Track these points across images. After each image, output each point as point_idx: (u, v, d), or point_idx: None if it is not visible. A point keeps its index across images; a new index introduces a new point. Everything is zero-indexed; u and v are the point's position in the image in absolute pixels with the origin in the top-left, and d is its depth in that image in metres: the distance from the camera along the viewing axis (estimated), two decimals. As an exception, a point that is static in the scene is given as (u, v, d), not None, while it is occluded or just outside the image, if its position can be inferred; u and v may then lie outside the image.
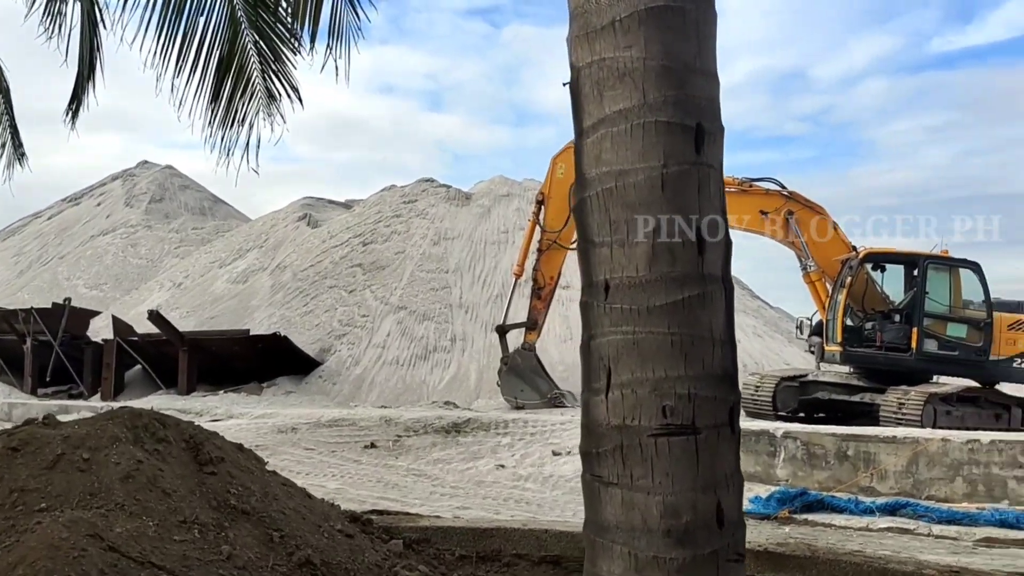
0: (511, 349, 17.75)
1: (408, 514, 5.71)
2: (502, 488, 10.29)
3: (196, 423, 4.54)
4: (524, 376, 17.62)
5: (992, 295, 15.25)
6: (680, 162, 2.74)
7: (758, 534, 7.13)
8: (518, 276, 17.93)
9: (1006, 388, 15.57)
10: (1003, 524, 8.29)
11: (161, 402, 18.31)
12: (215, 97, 6.19)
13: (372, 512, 5.41)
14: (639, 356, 2.71)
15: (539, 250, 17.32)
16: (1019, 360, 15.00)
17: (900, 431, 10.82)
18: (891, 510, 8.92)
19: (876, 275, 15.85)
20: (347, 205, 34.79)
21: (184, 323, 24.34)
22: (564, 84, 2.98)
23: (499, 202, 28.53)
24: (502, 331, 17.81)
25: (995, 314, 14.93)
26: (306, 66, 6.20)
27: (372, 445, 12.72)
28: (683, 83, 2.77)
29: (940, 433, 10.45)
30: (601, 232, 2.81)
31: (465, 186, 31.31)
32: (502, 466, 11.46)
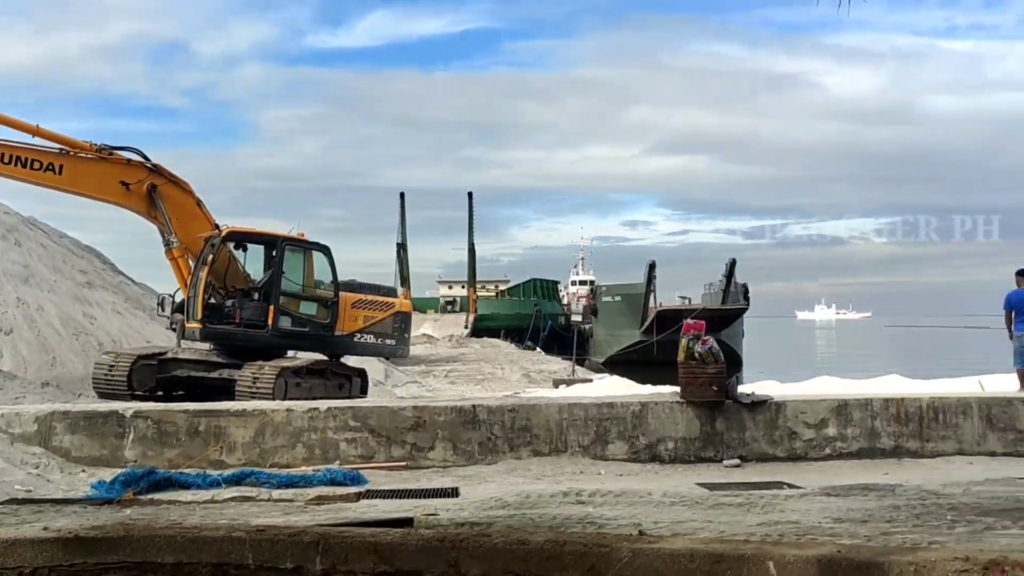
0: None
1: None
2: None
3: None
4: None
5: (345, 277, 16.89)
6: None
7: (94, 520, 6.74)
8: None
9: (349, 360, 17.40)
10: (333, 483, 9.11)
11: None
12: None
13: None
14: None
15: None
16: (360, 335, 16.83)
17: (250, 404, 11.21)
18: (237, 480, 9.17)
19: (239, 254, 16.30)
20: None
21: None
22: None
23: None
24: None
25: (341, 294, 16.46)
26: None
27: None
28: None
29: (285, 404, 11.11)
30: None
31: None
32: None
